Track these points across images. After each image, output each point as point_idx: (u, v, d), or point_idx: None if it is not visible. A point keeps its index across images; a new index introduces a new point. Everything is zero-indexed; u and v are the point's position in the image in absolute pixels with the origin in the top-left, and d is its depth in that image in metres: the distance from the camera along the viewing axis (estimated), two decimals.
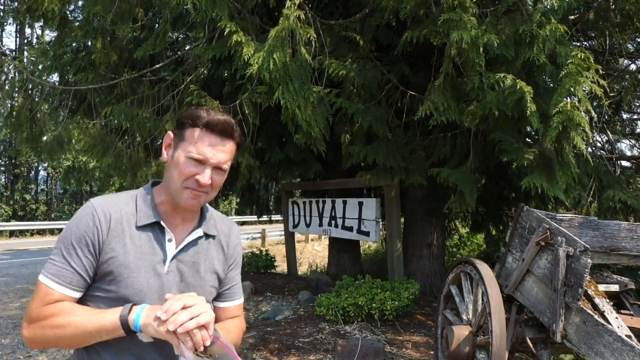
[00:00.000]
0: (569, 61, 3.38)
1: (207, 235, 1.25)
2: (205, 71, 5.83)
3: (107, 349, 1.11)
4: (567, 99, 3.44)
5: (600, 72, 3.48)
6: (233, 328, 1.29)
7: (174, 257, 1.17)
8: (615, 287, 2.94)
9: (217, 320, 1.34)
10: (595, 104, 5.35)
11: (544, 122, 3.77)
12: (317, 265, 9.67)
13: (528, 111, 3.39)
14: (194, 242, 1.21)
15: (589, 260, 2.26)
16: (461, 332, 2.78)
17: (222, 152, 1.14)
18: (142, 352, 1.12)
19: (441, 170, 4.48)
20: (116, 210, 1.15)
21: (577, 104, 3.34)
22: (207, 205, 1.28)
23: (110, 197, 1.19)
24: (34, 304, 1.09)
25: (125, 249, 1.12)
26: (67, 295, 1.09)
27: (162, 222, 1.17)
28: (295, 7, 3.76)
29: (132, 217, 1.16)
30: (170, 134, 1.20)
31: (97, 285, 1.13)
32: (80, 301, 1.13)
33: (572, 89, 3.36)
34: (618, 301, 2.92)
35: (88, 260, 1.10)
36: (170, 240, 1.18)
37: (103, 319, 1.03)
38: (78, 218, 1.13)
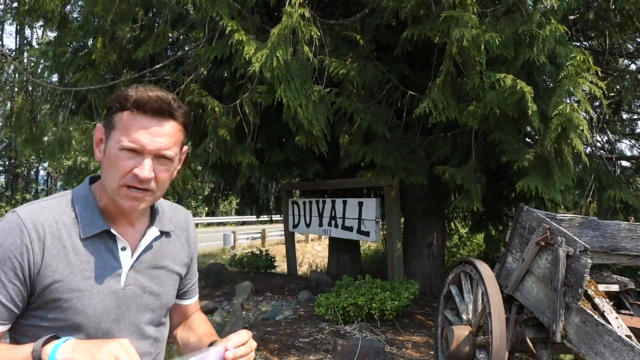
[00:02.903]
0: (568, 62, 3.38)
1: (163, 233, 1.08)
2: (205, 71, 5.83)
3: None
4: (566, 99, 3.44)
5: (600, 73, 3.48)
6: (208, 326, 1.19)
7: (131, 267, 1.00)
8: (615, 287, 2.93)
9: (176, 318, 1.23)
10: (596, 104, 5.35)
11: (543, 122, 3.78)
12: (317, 265, 9.66)
13: (529, 111, 3.39)
14: (150, 245, 1.04)
15: (589, 260, 2.26)
16: (461, 332, 2.78)
17: (160, 135, 0.92)
18: None
19: (446, 168, 4.48)
20: (51, 223, 0.93)
21: (575, 105, 3.35)
22: None
23: (40, 206, 0.96)
24: None
25: (71, 268, 0.93)
26: None
27: (112, 230, 0.98)
28: (298, 6, 3.76)
29: (74, 228, 0.95)
30: (100, 126, 0.98)
31: (39, 314, 0.93)
32: (15, 333, 0.95)
33: (571, 90, 3.36)
34: (618, 301, 2.92)
35: (15, 287, 0.89)
36: (124, 249, 0.99)
37: (16, 354, 0.82)
38: (2, 233, 0.90)
